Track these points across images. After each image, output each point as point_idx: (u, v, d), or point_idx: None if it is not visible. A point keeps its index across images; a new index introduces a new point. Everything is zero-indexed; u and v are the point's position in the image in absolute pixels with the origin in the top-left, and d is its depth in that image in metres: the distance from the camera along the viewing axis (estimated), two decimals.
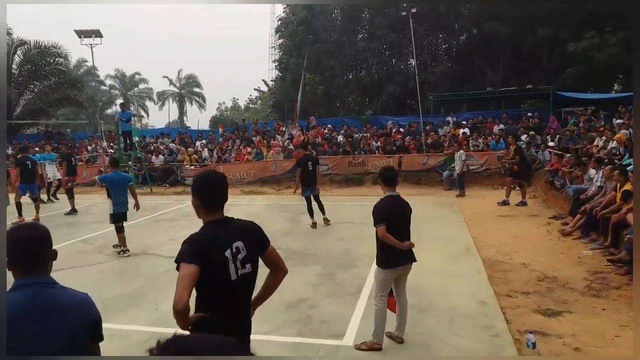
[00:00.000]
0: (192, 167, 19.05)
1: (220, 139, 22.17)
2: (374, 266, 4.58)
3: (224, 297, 2.44)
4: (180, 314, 2.20)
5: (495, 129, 18.20)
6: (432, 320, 5.06)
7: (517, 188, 12.47)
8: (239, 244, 2.47)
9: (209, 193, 2.52)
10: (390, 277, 4.42)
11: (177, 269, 2.33)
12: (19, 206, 11.40)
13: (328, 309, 5.51)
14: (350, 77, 30.68)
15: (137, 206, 8.40)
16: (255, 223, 2.70)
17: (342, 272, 6.91)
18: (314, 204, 10.17)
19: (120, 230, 8.13)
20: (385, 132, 19.59)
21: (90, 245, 8.81)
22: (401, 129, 20.06)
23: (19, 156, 12.20)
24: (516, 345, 4.37)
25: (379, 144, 18.40)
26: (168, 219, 11.75)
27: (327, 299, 5.84)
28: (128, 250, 8.19)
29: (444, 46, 30.17)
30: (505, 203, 12.11)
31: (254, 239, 2.60)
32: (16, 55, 27.99)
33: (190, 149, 20.25)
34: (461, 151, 14.49)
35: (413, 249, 4.42)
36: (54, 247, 2.12)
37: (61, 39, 54.29)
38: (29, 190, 11.55)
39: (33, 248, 2.01)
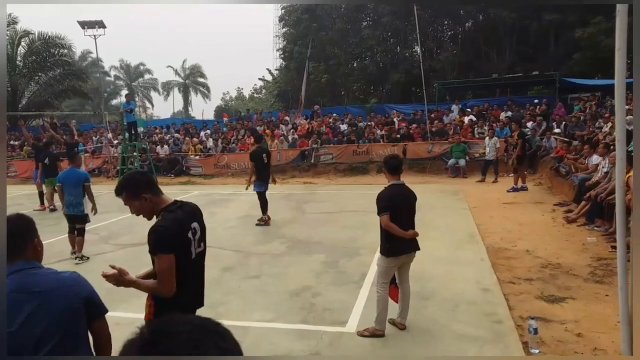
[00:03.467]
0: (197, 157, 19.11)
1: (225, 129, 22.18)
2: (378, 254, 4.60)
3: (185, 274, 2.67)
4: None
5: (502, 115, 18.09)
6: (435, 307, 5.08)
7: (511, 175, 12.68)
8: (195, 224, 2.75)
9: (154, 184, 2.78)
10: (393, 265, 4.44)
11: (154, 255, 2.63)
12: (40, 195, 12.33)
13: (331, 296, 5.54)
14: (355, 65, 30.55)
15: (94, 209, 7.53)
16: (197, 206, 2.93)
17: (346, 260, 6.93)
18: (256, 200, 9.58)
19: (73, 231, 7.33)
20: (389, 121, 19.53)
21: (95, 236, 8.88)
22: (405, 118, 20.00)
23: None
24: (518, 331, 4.39)
25: (383, 132, 18.35)
26: None
27: (330, 287, 5.88)
28: (85, 257, 7.42)
29: (449, 33, 29.96)
30: (522, 189, 12.21)
31: (202, 219, 2.88)
32: (20, 47, 27.99)
33: (194, 139, 20.30)
34: (495, 138, 14.54)
35: (417, 237, 4.44)
36: (38, 238, 2.19)
37: (65, 30, 54.34)
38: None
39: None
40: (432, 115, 19.01)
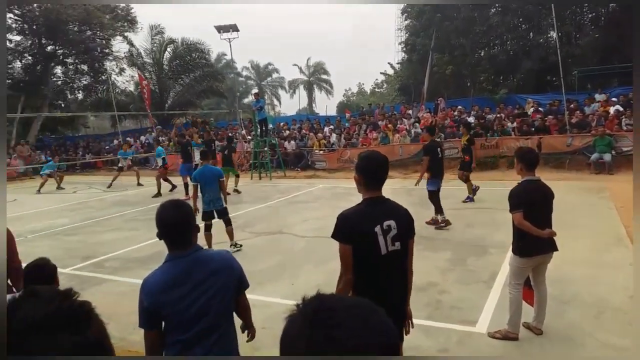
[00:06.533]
0: (321, 152, 19.70)
1: (347, 124, 22.53)
2: (510, 253, 4.37)
3: (373, 270, 2.63)
4: (346, 287, 2.60)
5: None
6: (576, 312, 4.71)
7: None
8: (391, 222, 2.65)
9: (369, 172, 2.72)
10: (527, 266, 4.19)
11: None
12: (185, 186, 13.52)
13: (459, 294, 5.40)
14: (482, 54, 29.01)
15: (225, 202, 7.84)
16: (408, 211, 2.82)
17: (474, 258, 6.69)
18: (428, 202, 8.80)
19: (209, 229, 7.58)
20: (521, 112, 18.30)
21: (233, 223, 9.58)
22: (540, 108, 18.58)
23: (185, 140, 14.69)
24: None
25: (514, 124, 17.26)
26: (301, 201, 12.33)
27: (457, 285, 5.73)
28: (239, 244, 7.86)
29: (590, 15, 27.09)
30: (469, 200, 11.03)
31: (405, 222, 2.74)
32: (166, 52, 31.30)
33: (319, 135, 20.93)
34: None
35: (555, 237, 4.14)
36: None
37: (201, 36, 59.17)
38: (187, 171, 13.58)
39: (176, 228, 2.29)
40: (572, 105, 17.42)
